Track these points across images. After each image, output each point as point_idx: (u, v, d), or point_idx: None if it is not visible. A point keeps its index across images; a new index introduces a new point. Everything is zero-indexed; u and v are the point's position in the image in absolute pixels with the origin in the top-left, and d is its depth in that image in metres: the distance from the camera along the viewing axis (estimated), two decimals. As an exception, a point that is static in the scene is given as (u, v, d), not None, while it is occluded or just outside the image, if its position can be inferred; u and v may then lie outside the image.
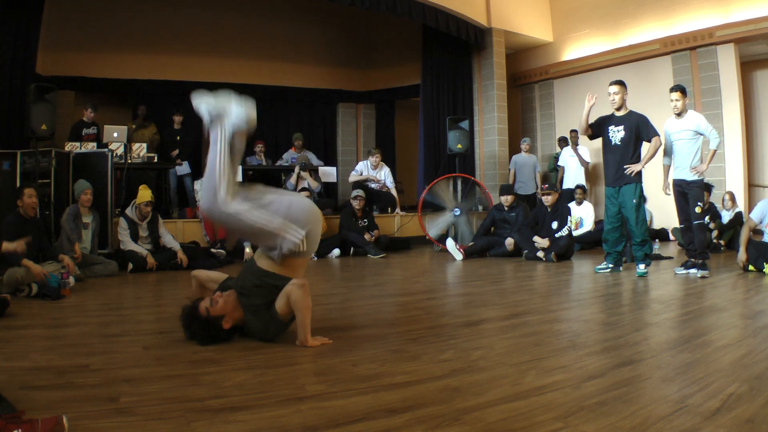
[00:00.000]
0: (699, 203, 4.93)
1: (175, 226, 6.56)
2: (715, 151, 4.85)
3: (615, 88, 4.96)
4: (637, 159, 4.96)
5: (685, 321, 3.07)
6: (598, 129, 5.11)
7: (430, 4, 8.13)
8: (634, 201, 4.92)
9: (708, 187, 7.05)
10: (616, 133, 4.98)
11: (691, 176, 4.91)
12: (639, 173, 4.92)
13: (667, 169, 5.20)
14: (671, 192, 5.13)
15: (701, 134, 4.90)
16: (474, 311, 3.38)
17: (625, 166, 4.91)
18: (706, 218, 5.13)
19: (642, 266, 4.83)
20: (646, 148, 5.00)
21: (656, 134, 4.91)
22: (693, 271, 4.87)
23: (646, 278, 4.71)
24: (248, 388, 1.95)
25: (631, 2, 9.03)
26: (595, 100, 4.93)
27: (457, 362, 2.25)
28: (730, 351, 2.35)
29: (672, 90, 4.92)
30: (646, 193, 8.46)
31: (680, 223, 5.19)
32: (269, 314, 2.57)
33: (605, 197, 5.17)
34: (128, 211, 5.62)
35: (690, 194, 4.95)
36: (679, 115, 4.93)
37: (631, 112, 4.99)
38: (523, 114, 10.83)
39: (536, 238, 6.26)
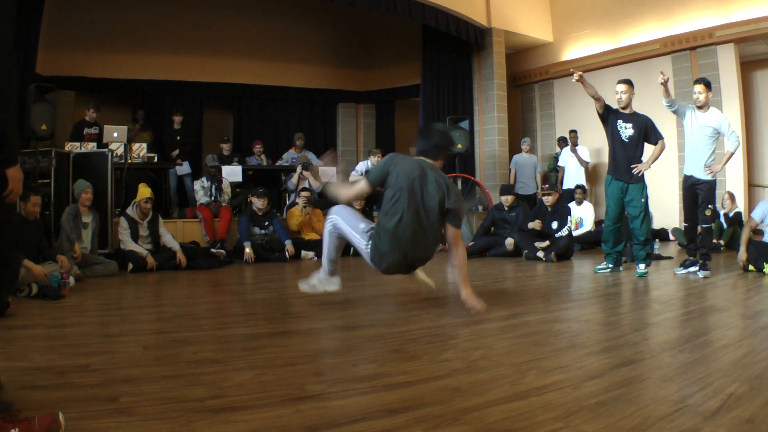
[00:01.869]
0: (709, 206, 4.80)
1: (175, 226, 6.56)
2: (732, 153, 4.73)
3: (623, 87, 4.89)
4: (640, 159, 4.94)
5: (685, 321, 3.07)
6: (606, 114, 5.02)
7: (430, 4, 8.14)
8: (642, 200, 4.90)
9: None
10: (625, 130, 4.93)
11: (703, 175, 4.79)
12: (642, 173, 4.90)
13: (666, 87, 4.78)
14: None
15: (720, 134, 4.77)
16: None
17: (632, 166, 4.89)
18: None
19: (642, 266, 4.82)
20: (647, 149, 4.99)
21: (662, 137, 4.90)
22: (692, 269, 4.86)
23: (647, 278, 4.70)
24: (248, 388, 1.95)
25: (631, 2, 9.03)
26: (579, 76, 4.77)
27: (457, 362, 2.24)
28: (730, 351, 2.35)
29: (696, 82, 4.83)
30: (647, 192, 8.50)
31: (684, 221, 5.12)
32: None
33: (607, 196, 5.11)
34: (129, 210, 5.63)
35: (700, 194, 4.82)
36: (701, 108, 4.80)
37: (636, 112, 4.96)
38: (523, 114, 10.83)
39: (536, 229, 6.25)
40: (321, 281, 3.48)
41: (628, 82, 4.94)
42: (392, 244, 3.14)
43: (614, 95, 4.96)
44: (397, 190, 3.15)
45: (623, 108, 4.95)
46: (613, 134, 5.01)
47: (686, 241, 5.16)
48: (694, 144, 4.86)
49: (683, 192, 5.04)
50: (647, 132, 4.91)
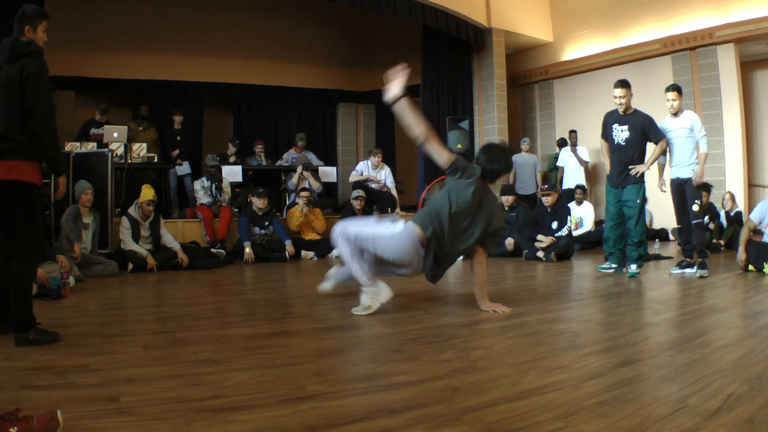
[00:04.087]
0: (696, 201, 4.85)
1: (175, 226, 6.56)
2: (706, 155, 4.79)
3: (620, 92, 4.84)
4: (641, 160, 4.91)
5: (685, 321, 3.07)
6: (604, 123, 5.09)
7: (430, 4, 8.13)
8: (638, 201, 4.90)
9: (707, 187, 7.03)
10: (620, 133, 4.93)
11: (688, 174, 4.85)
12: (642, 174, 4.88)
13: (662, 167, 5.15)
14: (666, 189, 5.10)
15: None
16: (474, 311, 3.38)
17: (630, 167, 4.88)
18: (705, 218, 5.09)
19: (634, 266, 4.83)
20: (649, 148, 4.98)
21: (663, 136, 4.88)
22: (688, 270, 4.86)
23: (646, 278, 4.70)
24: (248, 388, 1.95)
25: (631, 2, 9.03)
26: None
27: (457, 362, 2.25)
28: (730, 351, 2.35)
29: (667, 90, 4.86)
30: (647, 193, 8.49)
31: (677, 222, 5.16)
32: None
33: (606, 200, 5.16)
34: (131, 210, 5.62)
35: (687, 193, 4.88)
36: (675, 114, 4.88)
37: (636, 112, 4.92)
38: (523, 114, 10.83)
39: (539, 237, 6.26)
40: (371, 296, 3.22)
41: (625, 85, 4.87)
42: None
43: (613, 100, 4.95)
44: None
45: (624, 112, 4.93)
46: (608, 139, 5.06)
47: (682, 242, 5.17)
48: (675, 148, 4.91)
49: (672, 195, 5.04)
50: (646, 131, 4.88)
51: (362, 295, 3.25)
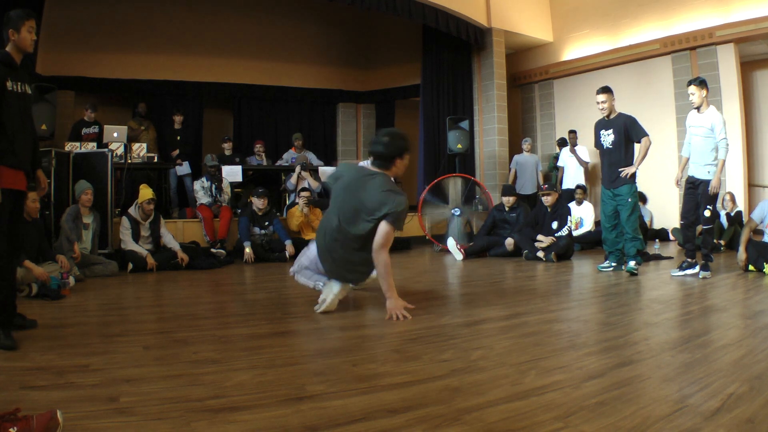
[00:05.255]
0: (709, 207, 4.73)
1: (175, 226, 6.56)
2: (723, 161, 4.64)
3: (602, 97, 4.99)
4: (630, 160, 4.97)
5: (685, 321, 3.07)
6: (595, 138, 5.22)
7: (430, 4, 8.13)
8: (630, 200, 4.97)
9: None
10: (607, 137, 5.04)
11: (703, 175, 4.74)
12: (633, 174, 4.94)
13: (685, 162, 4.98)
14: (682, 184, 5.02)
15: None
16: (474, 311, 3.38)
17: (620, 169, 4.94)
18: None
19: (632, 263, 4.85)
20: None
21: (645, 135, 4.90)
22: (690, 271, 4.85)
23: (646, 278, 4.70)
24: (248, 388, 1.95)
25: (631, 2, 9.03)
26: None
27: (457, 362, 2.25)
28: (730, 351, 2.35)
29: (688, 84, 4.78)
30: (647, 193, 8.48)
31: (681, 219, 5.09)
32: None
33: (601, 197, 5.25)
34: (131, 210, 5.62)
35: (700, 195, 4.77)
36: (698, 109, 4.75)
37: (620, 115, 5.03)
38: (523, 114, 10.83)
39: (540, 237, 6.26)
40: (326, 290, 3.44)
41: (607, 91, 5.01)
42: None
43: (597, 105, 5.04)
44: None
45: (607, 116, 5.04)
46: (598, 145, 5.17)
47: (682, 240, 5.15)
48: (693, 145, 4.86)
49: (685, 191, 5.01)
50: (628, 132, 4.94)
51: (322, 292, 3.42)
